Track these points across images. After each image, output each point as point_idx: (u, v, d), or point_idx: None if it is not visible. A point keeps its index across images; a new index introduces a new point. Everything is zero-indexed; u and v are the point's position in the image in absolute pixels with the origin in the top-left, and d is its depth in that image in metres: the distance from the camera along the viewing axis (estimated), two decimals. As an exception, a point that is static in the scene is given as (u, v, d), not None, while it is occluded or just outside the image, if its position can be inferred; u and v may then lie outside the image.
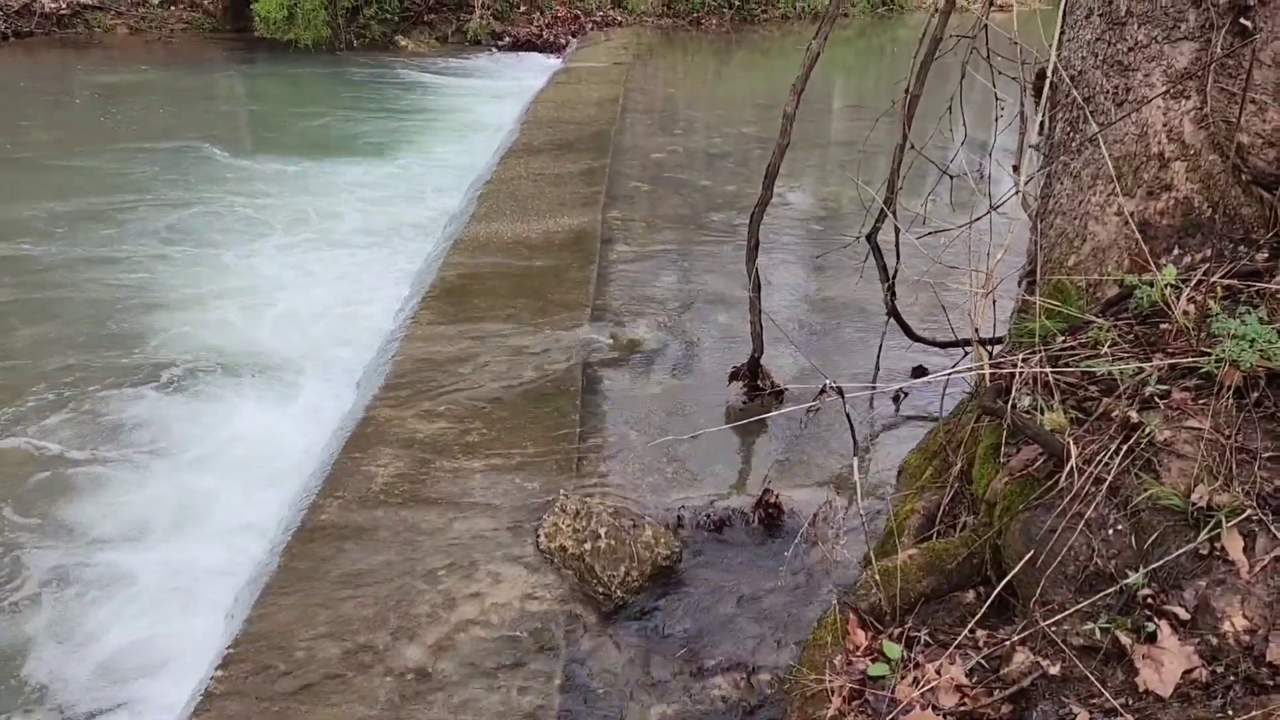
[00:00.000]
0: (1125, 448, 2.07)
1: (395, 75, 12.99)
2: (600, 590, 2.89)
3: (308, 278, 5.96)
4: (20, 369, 4.77)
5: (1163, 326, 2.36)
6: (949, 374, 3.00)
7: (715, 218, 6.67)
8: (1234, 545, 1.89)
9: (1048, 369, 2.26)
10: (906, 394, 4.05)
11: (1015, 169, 3.22)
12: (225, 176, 7.96)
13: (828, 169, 8.30)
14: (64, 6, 13.66)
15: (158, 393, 4.58)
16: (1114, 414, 2.15)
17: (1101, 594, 1.99)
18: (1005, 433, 2.35)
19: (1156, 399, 2.17)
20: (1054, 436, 2.17)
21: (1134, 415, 2.10)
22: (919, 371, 4.20)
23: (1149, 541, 1.99)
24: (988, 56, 3.58)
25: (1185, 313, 2.32)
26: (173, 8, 14.60)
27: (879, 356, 4.12)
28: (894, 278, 3.95)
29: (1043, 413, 2.28)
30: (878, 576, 2.35)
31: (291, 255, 6.31)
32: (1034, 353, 2.35)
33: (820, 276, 5.58)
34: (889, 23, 20.34)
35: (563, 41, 15.97)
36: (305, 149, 8.93)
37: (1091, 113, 2.79)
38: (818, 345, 4.71)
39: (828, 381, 2.04)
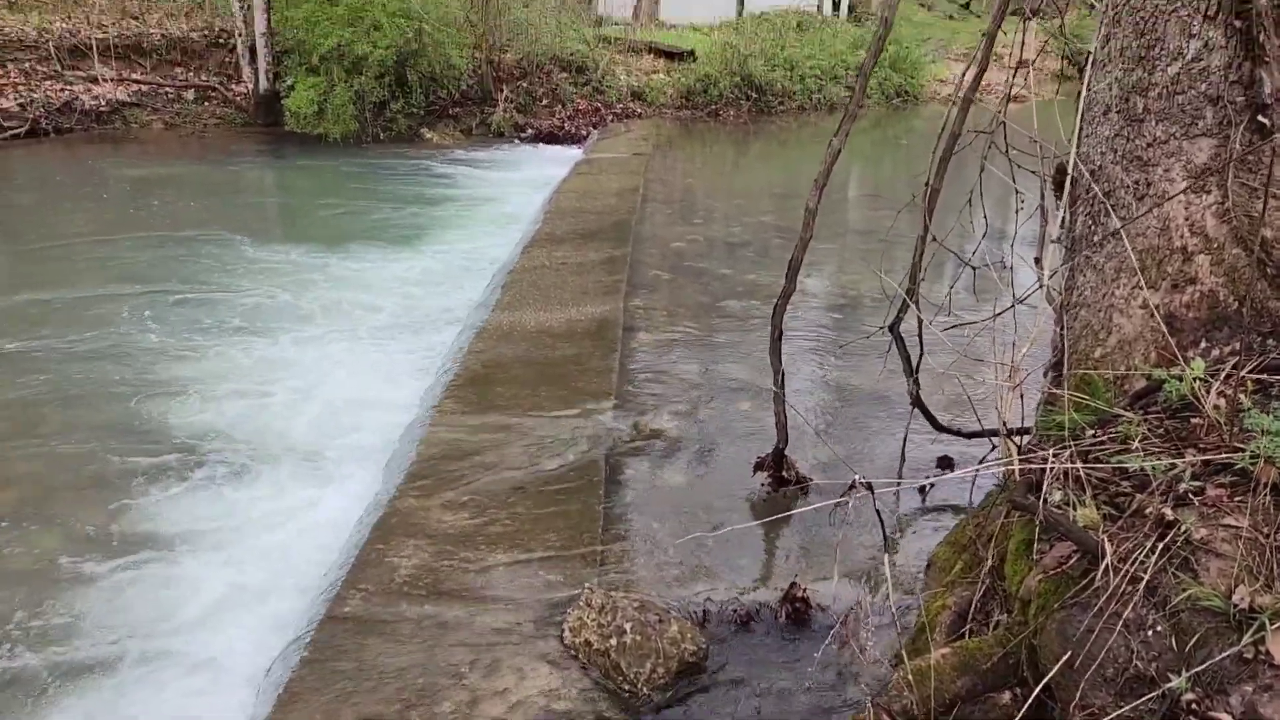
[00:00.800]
0: (1161, 546, 2.04)
1: (422, 167, 13.30)
2: (626, 687, 2.84)
3: (337, 367, 5.99)
4: (50, 458, 4.80)
5: (1194, 421, 2.35)
6: (977, 469, 2.97)
7: (736, 306, 6.73)
8: (1279, 649, 1.85)
9: (1079, 464, 2.25)
10: (934, 484, 4.01)
11: (1037, 261, 3.24)
12: (254, 268, 8.09)
13: (846, 257, 8.38)
14: (103, 104, 14.13)
15: (189, 483, 4.57)
16: (1148, 511, 2.12)
17: (1143, 698, 1.94)
18: (1038, 529, 2.32)
19: (1191, 496, 2.15)
20: (1088, 534, 2.14)
21: (1169, 513, 2.07)
22: (945, 462, 4.17)
23: (1190, 644, 1.95)
24: (1006, 150, 3.64)
25: (1216, 407, 2.31)
26: (206, 103, 15.08)
27: (904, 447, 4.10)
28: (918, 368, 3.95)
29: (1075, 508, 2.26)
30: (910, 676, 2.30)
31: (320, 346, 6.36)
32: (1064, 447, 2.34)
33: (843, 365, 5.59)
34: (903, 113, 20.74)
35: (584, 133, 16.35)
36: (335, 240, 9.09)
37: (1113, 206, 2.82)
38: (842, 434, 4.69)
39: (857, 477, 2.03)
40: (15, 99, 13.44)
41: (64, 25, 14.68)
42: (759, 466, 4.06)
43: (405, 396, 5.38)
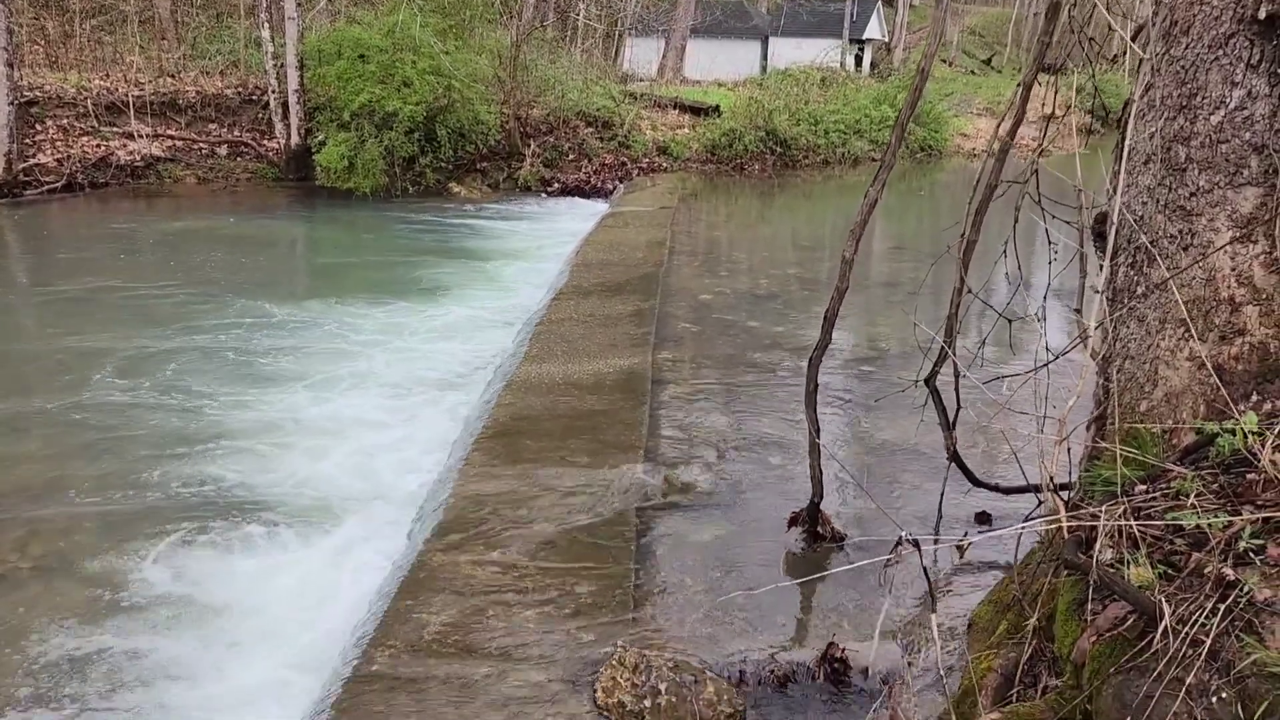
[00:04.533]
0: (1223, 608, 1.96)
1: (450, 220, 13.45)
2: (660, 751, 2.76)
3: (366, 419, 5.98)
4: (79, 511, 4.79)
5: (1249, 477, 2.27)
6: (1023, 526, 2.89)
7: (764, 358, 6.68)
8: (1355, 717, 1.76)
9: (1132, 522, 2.17)
10: (975, 542, 3.92)
11: (1077, 312, 3.19)
12: (284, 321, 8.15)
13: (874, 310, 8.33)
14: (139, 159, 14.43)
15: (221, 534, 4.55)
16: (1207, 570, 2.04)
17: (1210, 769, 1.84)
18: (1090, 588, 2.24)
19: (1251, 554, 2.06)
20: (1144, 594, 2.06)
21: (1230, 572, 1.99)
22: (983, 517, 4.09)
23: (1258, 711, 1.85)
24: (1039, 200, 3.61)
25: (1273, 462, 2.23)
26: (239, 159, 15.36)
27: (941, 503, 4.01)
28: (954, 422, 3.88)
29: (1128, 567, 2.18)
30: (959, 743, 2.21)
31: (351, 398, 6.36)
32: (1116, 504, 2.27)
33: (874, 419, 5.52)
34: (927, 167, 20.83)
35: (609, 187, 16.51)
36: (363, 292, 9.17)
37: (1156, 256, 2.77)
38: (875, 489, 4.61)
39: (903, 533, 1.97)
40: (53, 155, 13.75)
41: (102, 83, 15.06)
42: (793, 521, 3.99)
43: (438, 458, 5.33)
